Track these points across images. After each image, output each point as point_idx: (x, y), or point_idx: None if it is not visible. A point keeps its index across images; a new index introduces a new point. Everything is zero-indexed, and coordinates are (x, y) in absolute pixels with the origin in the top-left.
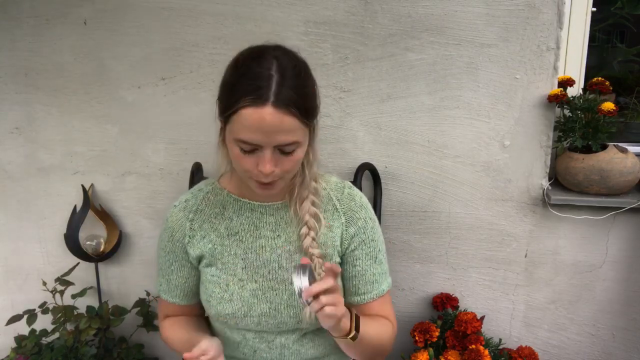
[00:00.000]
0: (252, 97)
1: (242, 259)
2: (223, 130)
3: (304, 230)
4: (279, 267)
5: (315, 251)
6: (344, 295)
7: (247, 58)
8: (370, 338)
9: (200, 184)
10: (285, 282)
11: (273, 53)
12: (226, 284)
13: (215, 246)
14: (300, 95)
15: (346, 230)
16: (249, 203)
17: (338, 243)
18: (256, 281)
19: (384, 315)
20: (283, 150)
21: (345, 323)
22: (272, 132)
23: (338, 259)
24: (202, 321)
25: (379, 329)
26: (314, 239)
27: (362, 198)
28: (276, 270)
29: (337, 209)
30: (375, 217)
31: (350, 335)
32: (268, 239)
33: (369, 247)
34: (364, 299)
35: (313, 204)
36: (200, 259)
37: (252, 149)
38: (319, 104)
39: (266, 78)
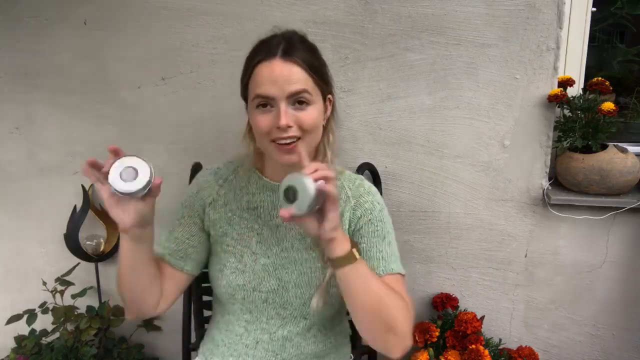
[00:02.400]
0: (262, 55)
1: (258, 234)
2: (246, 105)
3: None
4: (291, 247)
5: None
6: None
7: (260, 39)
8: (374, 285)
9: (231, 158)
10: (295, 263)
11: (281, 32)
12: (241, 255)
13: (234, 216)
14: (306, 53)
15: (353, 212)
16: (270, 183)
17: (346, 226)
18: (268, 257)
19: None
20: (296, 101)
21: (344, 240)
22: (283, 81)
23: None
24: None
25: (382, 285)
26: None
27: (371, 187)
28: (289, 250)
29: (348, 196)
30: (384, 205)
31: (349, 252)
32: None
33: (376, 226)
34: None
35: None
36: (214, 225)
37: (268, 104)
38: (329, 74)
39: (275, 43)
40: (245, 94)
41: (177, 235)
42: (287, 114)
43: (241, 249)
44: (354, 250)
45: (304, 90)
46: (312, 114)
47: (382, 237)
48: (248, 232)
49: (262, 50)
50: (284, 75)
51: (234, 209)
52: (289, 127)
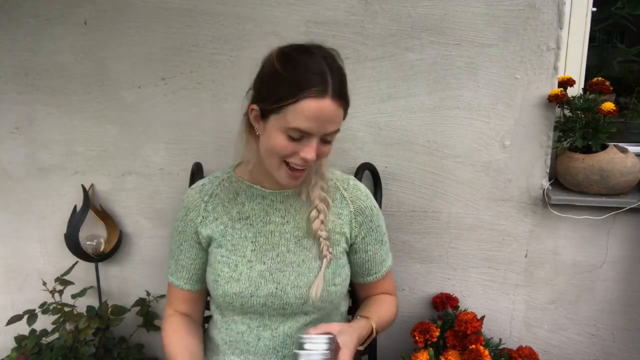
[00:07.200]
0: (316, 90)
1: (252, 242)
2: (261, 120)
3: (314, 213)
4: (287, 250)
5: (323, 234)
6: (355, 277)
7: (296, 52)
8: (385, 321)
9: (217, 172)
10: (292, 265)
11: (316, 50)
12: (235, 264)
13: (227, 228)
14: (344, 89)
15: (355, 218)
16: (260, 190)
17: (347, 230)
18: (264, 263)
19: (389, 288)
20: (325, 139)
21: (363, 336)
22: (327, 121)
23: (345, 245)
24: (199, 338)
25: (386, 311)
26: (322, 222)
27: (365, 189)
28: (284, 254)
29: (345, 197)
30: (377, 205)
31: (372, 337)
32: (277, 224)
33: (376, 232)
34: (375, 278)
35: (322, 189)
36: (210, 240)
37: (301, 137)
38: None
39: (322, 73)
40: (270, 107)
41: (183, 263)
42: (316, 149)
43: (235, 258)
44: (367, 321)
45: (337, 130)
46: (331, 146)
47: (381, 241)
48: (242, 242)
49: (316, 82)
50: (330, 117)
51: (225, 222)
52: (314, 158)
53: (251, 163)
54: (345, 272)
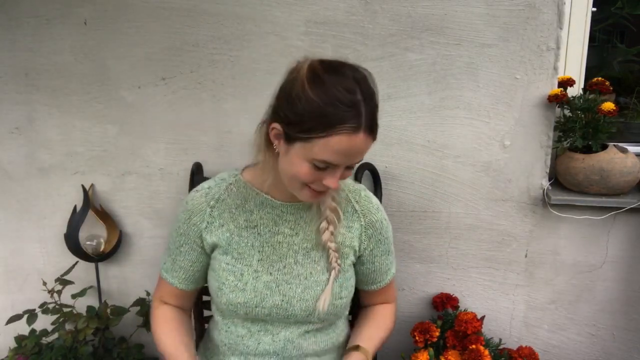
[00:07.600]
0: (349, 126)
1: (259, 251)
2: (284, 142)
3: (324, 224)
4: (294, 262)
5: (333, 245)
6: (358, 284)
7: (328, 75)
8: (380, 343)
9: (223, 174)
10: (299, 277)
11: (349, 72)
12: (240, 273)
13: (233, 236)
14: (376, 118)
15: (365, 231)
16: (270, 200)
17: (356, 243)
18: (271, 274)
19: (390, 296)
20: (351, 166)
21: None
22: (356, 154)
23: (353, 258)
24: (190, 329)
25: (383, 332)
26: (332, 233)
27: (377, 200)
28: (292, 266)
29: (356, 210)
30: (387, 217)
31: None
32: (286, 235)
33: (384, 244)
34: (380, 286)
35: (333, 198)
36: (215, 246)
37: (326, 167)
38: None
39: (356, 105)
40: (296, 134)
41: (181, 264)
42: (339, 177)
43: (241, 267)
44: (364, 357)
45: (362, 158)
46: (354, 169)
47: (388, 252)
48: (249, 251)
49: (349, 118)
50: (360, 150)
51: (231, 229)
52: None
53: (260, 170)
54: (352, 284)
